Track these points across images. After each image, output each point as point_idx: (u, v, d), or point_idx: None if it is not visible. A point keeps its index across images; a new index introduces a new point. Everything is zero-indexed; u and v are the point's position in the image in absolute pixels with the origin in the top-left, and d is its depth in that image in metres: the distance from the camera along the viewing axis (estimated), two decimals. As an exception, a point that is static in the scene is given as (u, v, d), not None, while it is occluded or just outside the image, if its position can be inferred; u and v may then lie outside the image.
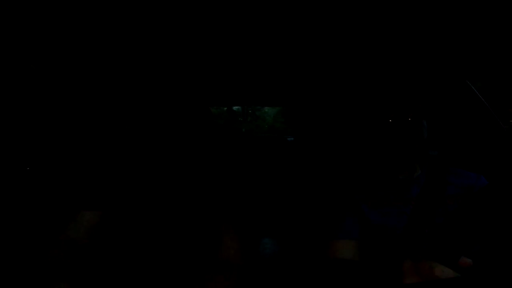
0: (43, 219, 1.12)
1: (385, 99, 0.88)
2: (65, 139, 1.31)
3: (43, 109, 1.27)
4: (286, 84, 1.38)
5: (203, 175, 0.92)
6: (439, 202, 0.84)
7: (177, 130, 0.87)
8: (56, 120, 1.30)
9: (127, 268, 0.82)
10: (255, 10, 0.74)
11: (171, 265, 0.83)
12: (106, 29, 0.85)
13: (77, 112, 1.33)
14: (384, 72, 1.12)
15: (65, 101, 1.31)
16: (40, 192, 1.19)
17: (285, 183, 1.32)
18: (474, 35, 0.84)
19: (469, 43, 0.89)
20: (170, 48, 0.97)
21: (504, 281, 0.37)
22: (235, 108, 7.74)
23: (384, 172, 0.92)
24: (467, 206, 0.47)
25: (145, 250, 0.83)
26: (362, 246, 0.84)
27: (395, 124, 0.86)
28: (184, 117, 0.88)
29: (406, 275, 0.50)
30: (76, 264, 0.81)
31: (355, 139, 1.12)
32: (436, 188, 0.87)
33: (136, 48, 0.98)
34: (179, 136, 0.88)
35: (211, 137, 1.00)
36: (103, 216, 0.90)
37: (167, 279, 0.82)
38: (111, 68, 1.16)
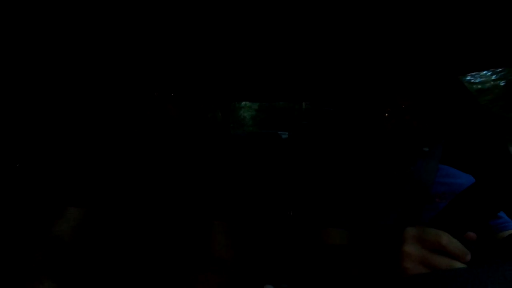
0: (28, 215, 1.08)
1: (380, 95, 0.88)
2: (52, 134, 1.28)
3: (29, 106, 1.23)
4: (283, 83, 1.39)
5: (195, 172, 0.90)
6: (427, 199, 0.84)
7: (168, 127, 0.85)
8: (42, 116, 1.27)
9: (114, 266, 0.79)
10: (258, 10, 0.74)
11: (160, 262, 0.80)
12: (106, 28, 0.83)
13: (63, 107, 1.29)
14: (378, 68, 1.12)
15: (52, 98, 1.28)
16: (25, 188, 1.15)
17: (279, 176, 1.31)
18: (466, 31, 0.85)
19: (461, 38, 0.90)
20: (168, 45, 0.96)
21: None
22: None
23: (378, 167, 0.92)
24: (456, 202, 0.46)
25: (133, 247, 0.81)
26: (354, 237, 0.84)
27: (390, 120, 0.86)
28: (176, 113, 0.86)
29: (407, 242, 0.46)
30: (61, 262, 0.77)
31: (349, 133, 1.12)
32: (426, 184, 0.87)
33: (132, 45, 0.96)
34: (170, 132, 0.86)
35: (203, 134, 0.99)
36: (90, 213, 0.87)
37: (156, 277, 0.79)
38: (104, 65, 1.14)
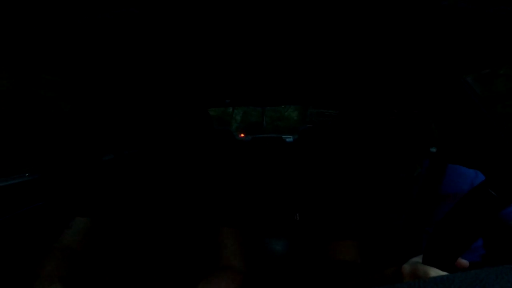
0: (38, 225, 1.08)
1: (386, 97, 0.88)
2: (61, 144, 1.28)
3: (39, 115, 1.24)
4: (285, 85, 1.39)
5: (203, 177, 0.90)
6: (437, 200, 0.83)
7: (174, 131, 0.85)
8: (51, 125, 1.27)
9: (123, 275, 0.79)
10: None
11: (169, 270, 0.80)
12: (106, 28, 0.84)
13: (71, 116, 1.30)
14: (383, 70, 1.12)
15: (60, 106, 1.28)
16: (35, 198, 1.15)
17: (286, 182, 1.31)
18: (469, 31, 0.85)
19: (465, 38, 0.91)
20: (170, 48, 0.96)
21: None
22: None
23: (385, 170, 0.92)
24: (462, 205, 0.46)
25: (143, 255, 0.80)
26: (363, 246, 0.83)
27: (397, 122, 0.85)
28: (182, 118, 0.86)
29: (405, 278, 0.53)
30: (71, 271, 0.77)
31: (356, 136, 1.12)
32: (435, 185, 0.86)
33: (136, 49, 0.96)
34: (177, 138, 0.86)
35: (209, 139, 0.99)
36: (99, 222, 0.87)
37: (166, 285, 0.79)
38: (107, 69, 1.14)
